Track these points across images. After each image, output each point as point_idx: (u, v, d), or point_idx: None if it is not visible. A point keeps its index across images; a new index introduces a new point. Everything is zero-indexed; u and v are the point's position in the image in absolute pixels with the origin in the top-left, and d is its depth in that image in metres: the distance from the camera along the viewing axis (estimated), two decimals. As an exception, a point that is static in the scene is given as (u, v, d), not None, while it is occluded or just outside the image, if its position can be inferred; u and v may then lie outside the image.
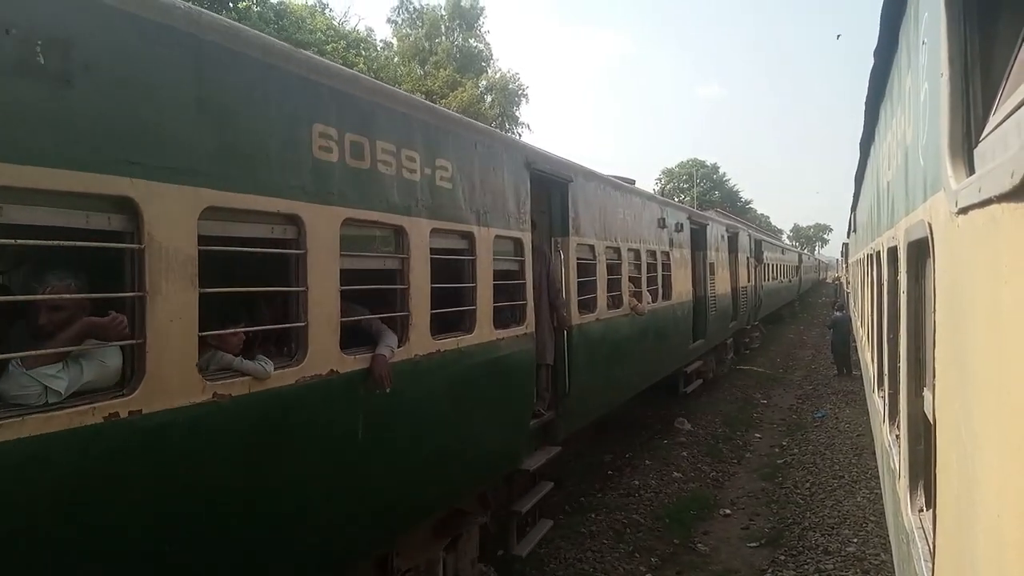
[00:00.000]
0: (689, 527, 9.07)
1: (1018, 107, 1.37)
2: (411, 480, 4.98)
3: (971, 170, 1.76)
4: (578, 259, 8.13)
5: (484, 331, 5.81)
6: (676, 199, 50.89)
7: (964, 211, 1.59)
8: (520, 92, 50.92)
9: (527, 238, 6.74)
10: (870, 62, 4.48)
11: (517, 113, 51.03)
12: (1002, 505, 1.23)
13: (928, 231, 2.29)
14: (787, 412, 16.39)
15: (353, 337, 4.41)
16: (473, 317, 5.69)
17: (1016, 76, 1.58)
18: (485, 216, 5.88)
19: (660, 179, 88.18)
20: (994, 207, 1.27)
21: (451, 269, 5.66)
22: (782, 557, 8.09)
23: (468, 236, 5.66)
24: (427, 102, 5.68)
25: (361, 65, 35.12)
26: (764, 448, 13.27)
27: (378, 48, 47.22)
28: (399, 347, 4.67)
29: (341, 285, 4.13)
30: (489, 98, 48.92)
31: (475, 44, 51.56)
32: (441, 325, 5.38)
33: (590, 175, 8.91)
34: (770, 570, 7.79)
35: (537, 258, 7.11)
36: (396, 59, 48.04)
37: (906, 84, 3.17)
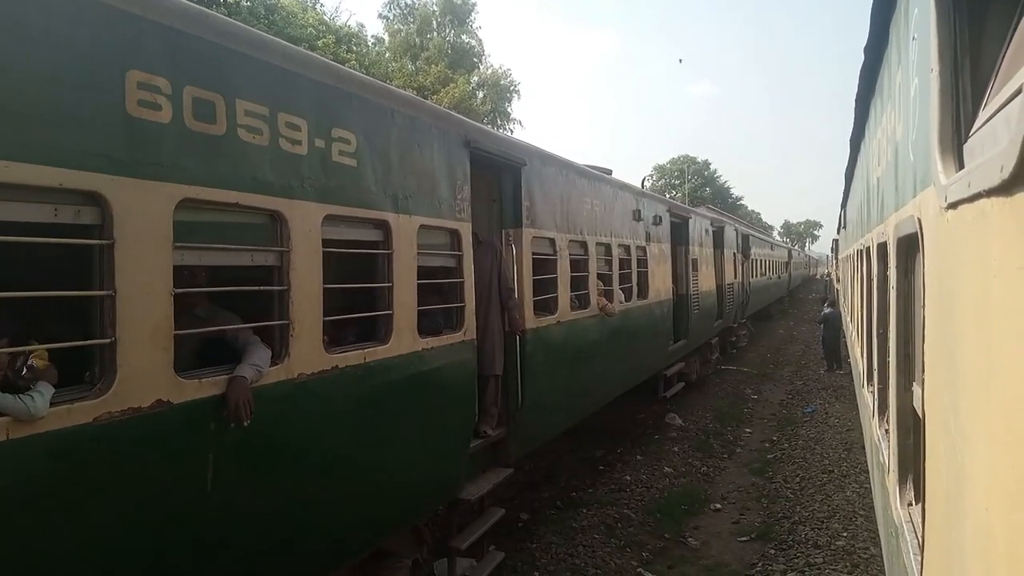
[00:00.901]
0: (680, 522, 9.09)
1: (1007, 102, 1.37)
2: (293, 534, 4.00)
3: (960, 165, 1.76)
4: (534, 254, 7.20)
5: (404, 340, 4.81)
6: (668, 195, 51.00)
7: (954, 206, 1.59)
8: (512, 88, 50.88)
9: (465, 229, 5.75)
10: (861, 59, 4.49)
11: (509, 109, 50.98)
12: (990, 498, 1.24)
13: (918, 226, 2.29)
14: (777, 407, 16.45)
15: (217, 352, 3.58)
16: (389, 324, 4.68)
17: (1006, 71, 1.59)
18: (406, 202, 4.87)
19: (652, 175, 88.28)
20: (983, 202, 1.28)
21: (358, 266, 4.79)
22: (772, 551, 8.12)
23: (382, 226, 4.66)
24: (319, 56, 4.52)
25: (352, 61, 34.95)
26: (755, 443, 13.32)
27: (369, 44, 47.01)
28: (277, 364, 3.74)
29: (176, 286, 3.19)
30: (481, 94, 48.85)
31: (467, 40, 51.43)
32: (343, 335, 4.56)
33: (549, 159, 7.91)
34: (760, 564, 7.82)
35: (486, 253, 6.34)
36: (387, 55, 47.87)
37: (896, 80, 3.18)
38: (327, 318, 4.12)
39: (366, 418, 4.49)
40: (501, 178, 6.93)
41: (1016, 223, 1.06)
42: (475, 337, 5.85)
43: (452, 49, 49.58)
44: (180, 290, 3.23)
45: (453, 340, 5.50)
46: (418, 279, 5.00)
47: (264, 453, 3.70)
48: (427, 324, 5.18)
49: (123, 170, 2.96)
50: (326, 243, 4.10)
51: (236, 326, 3.70)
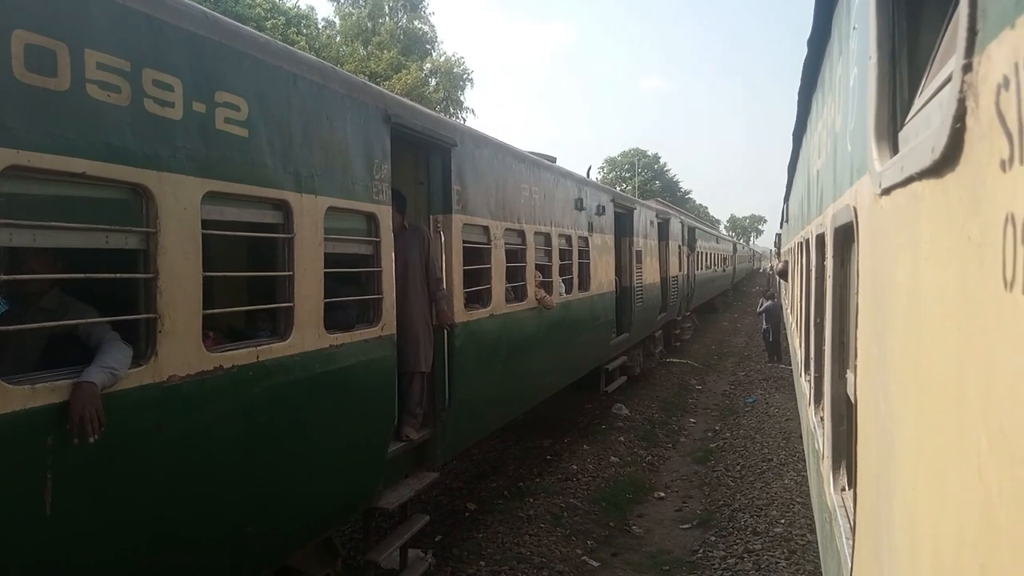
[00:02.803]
0: (625, 510, 9.22)
1: (941, 87, 1.39)
2: (163, 559, 3.46)
3: (895, 152, 1.79)
4: (466, 242, 6.72)
5: (308, 337, 4.29)
6: (619, 188, 51.40)
7: (887, 191, 1.60)
8: (465, 76, 50.56)
9: (384, 213, 5.19)
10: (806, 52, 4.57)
11: (462, 98, 50.66)
12: (917, 479, 1.25)
13: (853, 215, 2.33)
14: (720, 397, 16.82)
15: (76, 353, 3.07)
16: (289, 318, 4.17)
17: (941, 59, 1.61)
18: (311, 180, 4.34)
19: (603, 167, 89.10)
20: (915, 184, 1.28)
21: (251, 252, 4.29)
22: (712, 538, 8.30)
23: (281, 206, 4.12)
24: (199, 5, 3.80)
25: (302, 43, 34.22)
26: (698, 432, 13.59)
27: (319, 27, 46.08)
28: (140, 365, 3.20)
29: (7, 271, 2.80)
30: (433, 81, 48.40)
31: (420, 26, 50.92)
32: (232, 330, 4.12)
33: (483, 140, 7.35)
34: (701, 550, 7.98)
35: (411, 240, 5.91)
36: (338, 38, 47.01)
37: (837, 72, 3.23)
38: (208, 311, 3.56)
39: (261, 425, 3.94)
40: (429, 159, 6.42)
41: (946, 203, 1.07)
42: (394, 332, 5.34)
43: (404, 34, 49.03)
44: (6, 276, 2.79)
45: (368, 336, 4.96)
46: (326, 268, 4.45)
47: (123, 470, 3.13)
48: (337, 318, 4.67)
49: None
50: (208, 224, 3.56)
51: (89, 320, 3.14)
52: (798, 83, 5.63)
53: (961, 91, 0.92)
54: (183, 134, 3.42)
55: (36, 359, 3.03)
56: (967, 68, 0.91)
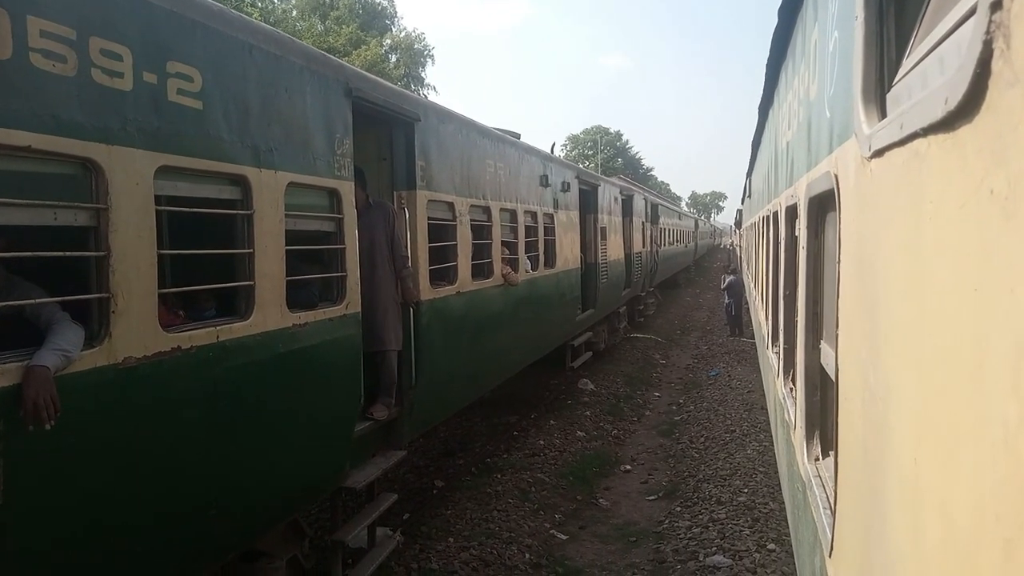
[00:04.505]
0: (592, 484, 9.30)
1: (939, 42, 1.33)
2: (121, 542, 3.38)
3: (883, 115, 1.73)
4: (431, 219, 6.68)
5: (270, 316, 4.20)
6: (582, 165, 51.32)
7: (879, 153, 1.55)
8: (426, 52, 49.85)
9: (346, 189, 5.12)
10: (775, 22, 4.51)
11: (423, 74, 49.97)
12: (920, 450, 1.20)
13: (834, 182, 2.28)
14: (684, 371, 17.04)
15: (22, 334, 2.97)
16: (250, 296, 4.07)
17: (931, 17, 1.55)
18: (270, 155, 4.24)
19: (566, 144, 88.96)
20: (918, 142, 1.22)
21: (208, 229, 4.19)
22: (678, 508, 8.42)
23: (240, 181, 4.02)
24: None
25: (256, 16, 33.24)
26: (663, 406, 13.75)
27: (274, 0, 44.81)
28: (94, 347, 3.09)
29: None
30: (394, 58, 47.62)
31: (378, 1, 49.86)
32: (190, 310, 4.03)
33: (447, 115, 7.30)
34: (667, 521, 8.10)
35: (376, 217, 5.83)
36: (294, 12, 45.80)
37: (812, 38, 3.18)
38: (163, 290, 3.48)
39: (221, 406, 3.87)
40: (392, 134, 6.32)
41: (960, 158, 1.00)
42: (359, 310, 5.29)
43: (363, 9, 48.07)
44: None
45: (332, 314, 4.90)
46: (287, 245, 4.36)
47: (78, 455, 3.05)
48: (299, 296, 4.61)
49: None
50: (162, 200, 3.48)
51: (38, 300, 3.00)
52: (764, 57, 5.59)
53: (988, 32, 0.85)
54: (133, 106, 3.29)
55: None
56: (996, 6, 0.84)
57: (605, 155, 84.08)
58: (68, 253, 3.14)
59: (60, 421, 2.84)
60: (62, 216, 3.01)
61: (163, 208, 3.48)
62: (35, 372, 2.77)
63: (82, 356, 3.01)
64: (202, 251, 4.01)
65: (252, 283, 4.08)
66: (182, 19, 3.63)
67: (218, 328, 3.84)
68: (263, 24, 4.69)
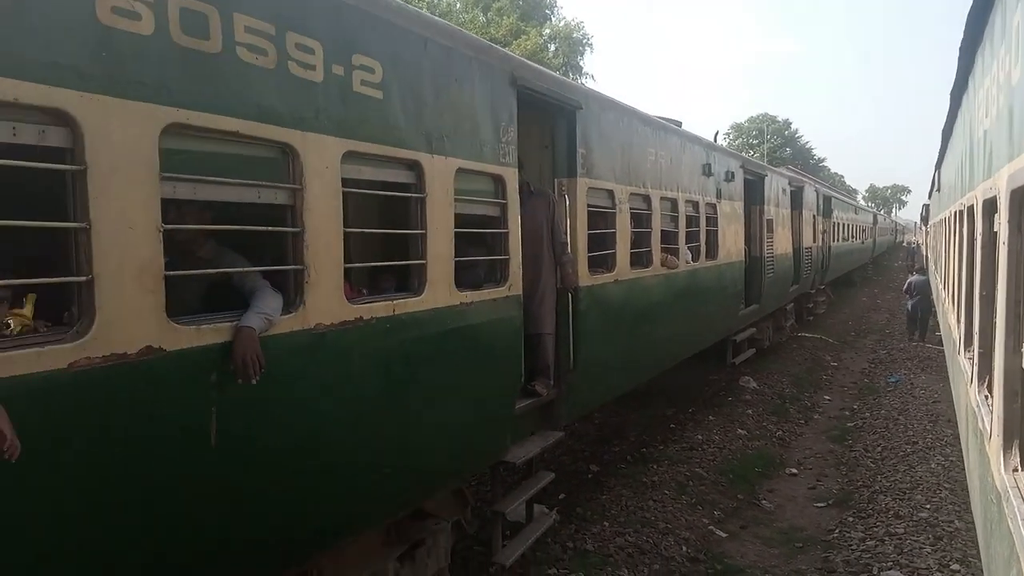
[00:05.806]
0: (753, 484, 8.96)
1: None
2: (316, 494, 3.71)
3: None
4: (590, 207, 6.68)
5: (439, 293, 4.44)
6: (747, 155, 49.19)
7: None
8: (585, 41, 49.80)
9: (511, 175, 5.27)
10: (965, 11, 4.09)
11: (581, 63, 49.97)
12: None
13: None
14: (859, 376, 15.90)
15: (227, 299, 3.26)
16: (422, 274, 4.31)
17: None
18: (441, 142, 4.43)
19: (729, 133, 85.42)
20: None
21: (385, 210, 4.41)
22: (850, 518, 7.89)
23: (414, 166, 4.24)
24: None
25: (424, 9, 34.92)
26: (833, 410, 12.94)
27: (440, -6, 46.71)
28: (291, 313, 3.39)
29: (165, 222, 2.83)
30: (553, 47, 48.04)
31: (539, -10, 50.45)
32: (372, 284, 4.32)
33: (608, 103, 7.27)
34: (837, 530, 7.62)
35: (538, 203, 5.92)
36: (458, 5, 47.47)
37: (1014, 20, 2.87)
38: (349, 265, 3.77)
39: (395, 374, 4.14)
40: (554, 122, 6.39)
41: None
42: (521, 292, 5.43)
43: (524, 1, 48.78)
44: (170, 226, 2.88)
45: (496, 295, 5.09)
46: (456, 228, 4.59)
47: (275, 411, 3.37)
48: (466, 277, 4.80)
49: (95, 87, 2.58)
50: (347, 183, 3.72)
51: (243, 269, 3.32)
52: (957, 38, 5.05)
53: None
54: (324, 96, 3.57)
55: (196, 305, 3.24)
56: None
57: (772, 144, 79.66)
58: (270, 228, 3.44)
59: (262, 377, 3.14)
60: (264, 195, 3.33)
61: (348, 190, 3.74)
62: (243, 332, 3.07)
63: (281, 320, 3.32)
64: (380, 231, 4.32)
65: (424, 262, 4.32)
66: (366, 15, 3.90)
67: (394, 302, 4.11)
68: (437, 18, 4.95)
